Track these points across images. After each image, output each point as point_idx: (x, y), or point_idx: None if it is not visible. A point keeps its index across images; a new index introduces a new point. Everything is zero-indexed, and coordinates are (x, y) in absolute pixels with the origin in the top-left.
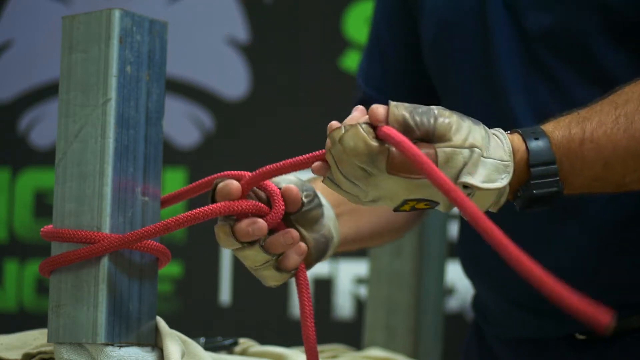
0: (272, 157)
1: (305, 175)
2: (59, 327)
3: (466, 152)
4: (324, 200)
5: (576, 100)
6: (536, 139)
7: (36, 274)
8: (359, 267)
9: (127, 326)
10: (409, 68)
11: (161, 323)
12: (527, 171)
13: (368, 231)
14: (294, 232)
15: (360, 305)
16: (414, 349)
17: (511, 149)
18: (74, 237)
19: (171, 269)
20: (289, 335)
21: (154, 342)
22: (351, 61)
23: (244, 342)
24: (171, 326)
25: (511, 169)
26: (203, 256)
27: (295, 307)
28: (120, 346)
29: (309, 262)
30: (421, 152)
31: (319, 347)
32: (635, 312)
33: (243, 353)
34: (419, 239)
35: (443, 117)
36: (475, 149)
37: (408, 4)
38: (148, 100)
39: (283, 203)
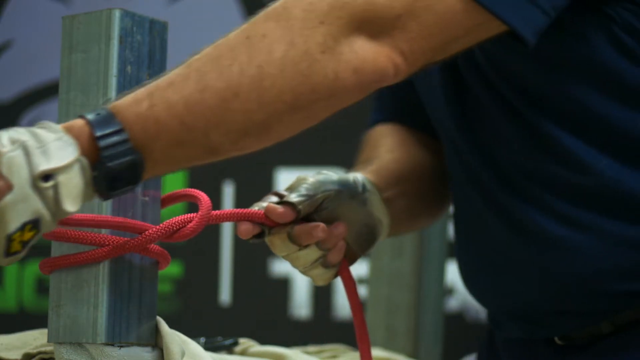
0: (272, 157)
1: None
2: (59, 327)
3: (18, 151)
4: (369, 186)
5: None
6: (98, 113)
7: (36, 274)
8: (359, 267)
9: (127, 326)
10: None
11: (161, 323)
12: (96, 146)
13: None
14: (341, 225)
15: None
16: (414, 349)
17: (61, 127)
18: (77, 238)
19: (171, 269)
20: (289, 335)
21: (154, 342)
22: None
23: (244, 342)
24: (171, 326)
25: (71, 140)
26: (203, 256)
27: (295, 307)
28: (121, 346)
29: (353, 253)
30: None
31: (319, 347)
32: (604, 319)
33: (243, 353)
34: (419, 239)
35: None
36: (25, 143)
37: None
38: None
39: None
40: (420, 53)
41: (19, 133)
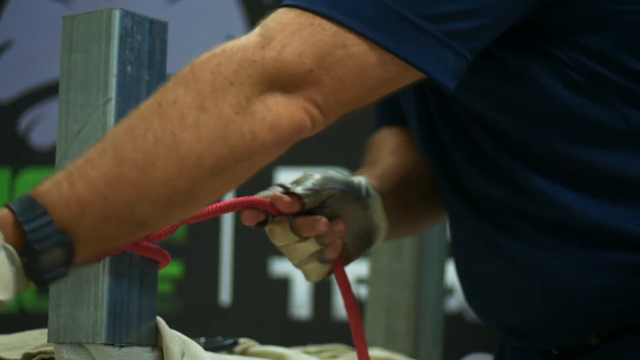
0: None
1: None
2: (59, 327)
3: None
4: (372, 191)
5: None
6: (20, 201)
7: None
8: (359, 267)
9: (127, 326)
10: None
11: (161, 323)
12: (21, 231)
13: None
14: (342, 222)
15: (360, 305)
16: (414, 349)
17: None
18: None
19: (171, 269)
20: (289, 335)
21: (154, 342)
22: None
23: (244, 342)
24: (171, 326)
25: None
26: (203, 256)
27: (295, 307)
28: (121, 346)
29: (348, 254)
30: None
31: (319, 347)
32: (591, 333)
33: (243, 353)
34: (419, 239)
35: None
36: None
37: None
38: None
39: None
40: (335, 105)
41: None
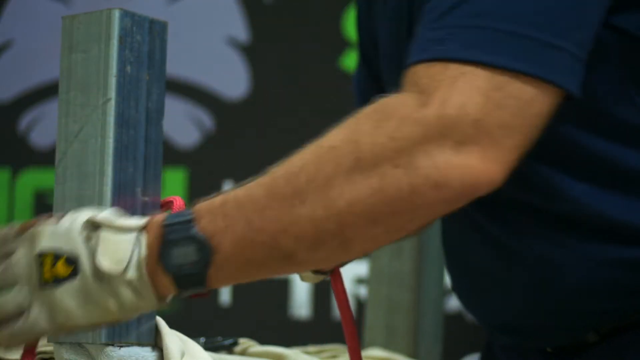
0: (272, 157)
1: None
2: None
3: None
4: None
5: None
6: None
7: None
8: (359, 267)
9: (127, 326)
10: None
11: (161, 323)
12: (162, 230)
13: None
14: None
15: (360, 305)
16: (414, 349)
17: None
18: None
19: None
20: (289, 335)
21: (154, 342)
22: (351, 61)
23: (244, 342)
24: (171, 326)
25: (142, 221)
26: None
27: (295, 307)
28: (120, 346)
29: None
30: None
31: (319, 347)
32: (590, 331)
33: (243, 353)
34: (419, 239)
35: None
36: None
37: (371, 24)
38: (148, 100)
39: None
40: (507, 151)
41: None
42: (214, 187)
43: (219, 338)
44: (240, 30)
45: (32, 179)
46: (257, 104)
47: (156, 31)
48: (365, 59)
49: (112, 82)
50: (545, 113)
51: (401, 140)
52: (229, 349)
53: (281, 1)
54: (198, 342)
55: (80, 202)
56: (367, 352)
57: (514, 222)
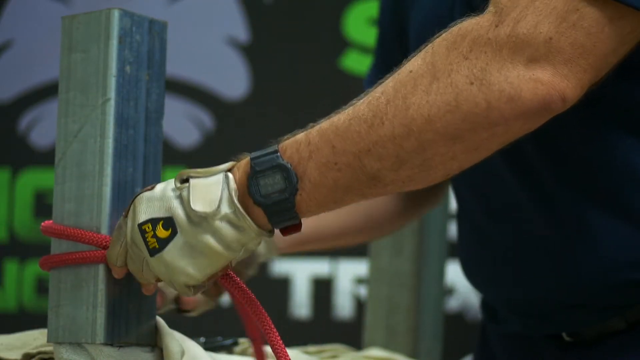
0: None
1: None
2: (59, 327)
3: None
4: None
5: None
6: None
7: (36, 274)
8: (359, 267)
9: (126, 326)
10: None
11: (161, 323)
12: (249, 165)
13: (331, 230)
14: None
15: (360, 305)
16: (414, 349)
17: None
18: (76, 236)
19: None
20: (289, 335)
21: (154, 342)
22: (351, 61)
23: (244, 342)
24: (171, 326)
25: (224, 166)
26: None
27: (295, 307)
28: (120, 346)
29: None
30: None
31: (319, 347)
32: (615, 314)
33: (243, 353)
34: (419, 239)
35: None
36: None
37: (399, 18)
38: (147, 100)
39: None
40: (581, 71)
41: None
42: None
43: (219, 338)
44: (240, 30)
45: (32, 179)
46: (256, 104)
47: (156, 31)
48: (385, 54)
49: (112, 82)
50: (622, 37)
51: (474, 59)
52: (229, 349)
53: (281, 1)
54: (198, 342)
55: (80, 202)
56: (367, 352)
57: (560, 190)
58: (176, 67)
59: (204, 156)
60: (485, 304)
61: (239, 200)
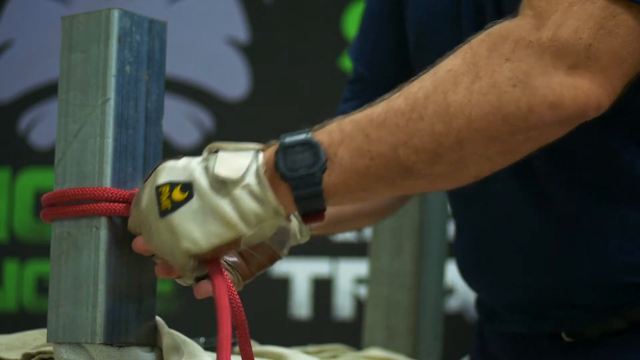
0: None
1: None
2: (59, 327)
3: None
4: None
5: None
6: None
7: (36, 274)
8: (359, 267)
9: (126, 326)
10: (398, 54)
11: (161, 323)
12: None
13: (351, 211)
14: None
15: (360, 305)
16: (414, 349)
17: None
18: (78, 194)
19: None
20: (289, 335)
21: (154, 342)
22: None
23: None
24: (171, 326)
25: (254, 146)
26: None
27: (295, 307)
28: (120, 346)
29: (272, 253)
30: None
31: (319, 347)
32: (616, 314)
33: None
34: (419, 239)
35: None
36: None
37: (398, 4)
38: (147, 100)
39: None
40: (616, 78)
41: None
42: None
43: None
44: (240, 30)
45: (32, 179)
46: (256, 104)
47: (155, 31)
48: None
49: (112, 82)
50: None
51: (517, 62)
52: None
53: (281, 1)
54: (198, 342)
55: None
56: (367, 352)
57: (561, 191)
58: (176, 67)
59: None
60: (482, 304)
61: (265, 173)
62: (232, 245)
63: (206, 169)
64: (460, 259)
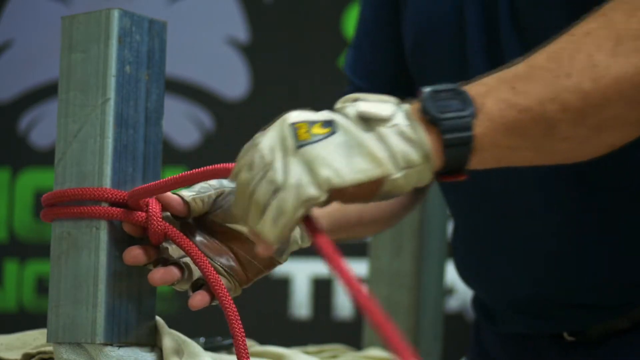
0: None
1: None
2: (59, 327)
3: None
4: None
5: None
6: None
7: (36, 273)
8: (359, 267)
9: (126, 326)
10: (395, 60)
11: (161, 323)
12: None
13: (355, 216)
14: (172, 271)
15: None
16: (413, 349)
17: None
18: (79, 194)
19: None
20: (289, 335)
21: (154, 342)
22: None
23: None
24: (171, 326)
25: (395, 100)
26: None
27: (295, 307)
28: (120, 346)
29: (249, 275)
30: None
31: (319, 347)
32: (619, 313)
33: None
34: (419, 239)
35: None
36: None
37: (395, 4)
38: (147, 100)
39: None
40: None
41: None
42: None
43: (219, 338)
44: (240, 30)
45: (32, 179)
46: (256, 104)
47: (155, 31)
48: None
49: (112, 82)
50: None
51: None
52: (229, 349)
53: (281, 1)
54: (198, 342)
55: (79, 202)
56: (367, 352)
57: (566, 190)
58: (176, 67)
59: (204, 156)
60: (480, 304)
61: (414, 115)
62: (373, 187)
63: (346, 114)
64: (459, 258)
